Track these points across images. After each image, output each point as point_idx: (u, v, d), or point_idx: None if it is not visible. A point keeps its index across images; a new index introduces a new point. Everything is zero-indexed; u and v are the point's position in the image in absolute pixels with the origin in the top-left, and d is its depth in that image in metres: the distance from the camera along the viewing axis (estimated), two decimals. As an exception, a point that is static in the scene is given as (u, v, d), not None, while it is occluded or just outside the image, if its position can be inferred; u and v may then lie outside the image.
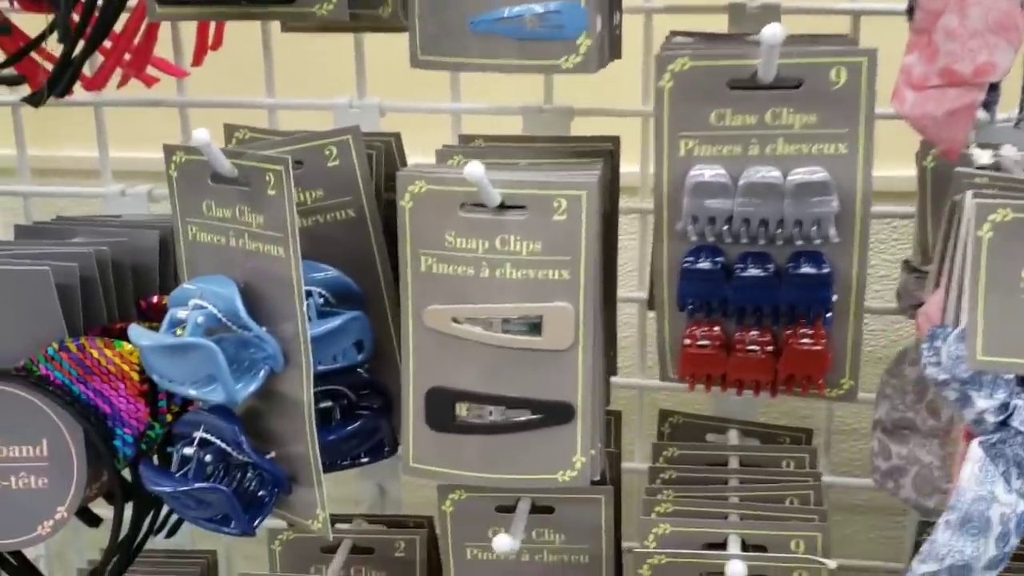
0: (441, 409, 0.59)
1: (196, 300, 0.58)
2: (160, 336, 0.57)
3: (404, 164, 0.70)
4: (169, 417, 0.64)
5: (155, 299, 0.73)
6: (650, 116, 0.65)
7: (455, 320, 0.58)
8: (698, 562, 0.59)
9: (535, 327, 0.57)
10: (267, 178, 0.56)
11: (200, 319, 0.57)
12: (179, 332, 0.58)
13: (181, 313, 0.57)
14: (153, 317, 0.73)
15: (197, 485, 0.57)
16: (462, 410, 0.59)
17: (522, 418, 0.58)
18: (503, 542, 0.58)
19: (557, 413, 0.57)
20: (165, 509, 0.73)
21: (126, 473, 0.67)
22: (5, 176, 0.94)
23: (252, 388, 0.58)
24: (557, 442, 0.58)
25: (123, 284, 0.71)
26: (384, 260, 0.67)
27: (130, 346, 0.64)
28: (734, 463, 0.73)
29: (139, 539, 0.72)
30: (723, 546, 0.60)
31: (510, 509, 0.63)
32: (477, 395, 0.58)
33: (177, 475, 0.59)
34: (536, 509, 0.63)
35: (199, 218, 0.61)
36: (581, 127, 0.76)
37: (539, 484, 0.60)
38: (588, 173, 0.57)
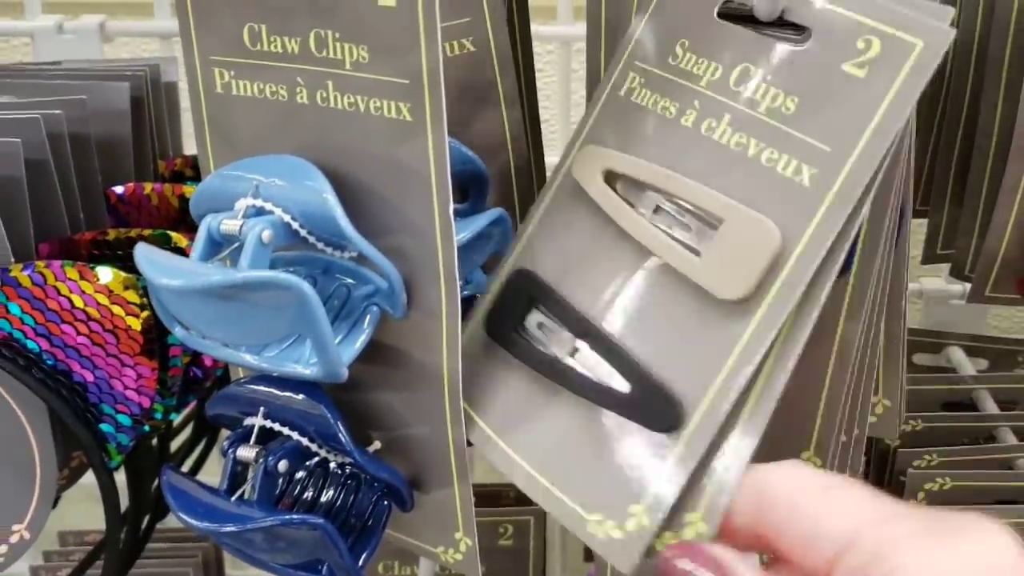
0: (511, 306, 0.35)
1: (251, 200, 0.33)
2: (197, 267, 0.32)
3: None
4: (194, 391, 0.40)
5: (129, 188, 0.48)
6: None
7: (608, 177, 0.33)
8: None
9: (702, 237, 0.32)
10: (379, -23, 0.31)
11: (265, 234, 0.32)
12: (225, 260, 0.33)
13: (229, 224, 0.33)
14: (129, 218, 0.48)
15: (285, 517, 0.33)
16: (533, 321, 0.34)
17: (609, 384, 0.31)
18: None
19: (657, 405, 0.30)
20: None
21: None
22: None
23: (357, 348, 0.34)
24: (639, 457, 0.30)
25: (86, 168, 0.45)
26: (514, 117, 0.43)
27: (122, 275, 0.39)
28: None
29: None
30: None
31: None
32: (568, 308, 0.33)
33: (228, 494, 0.35)
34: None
35: (238, 55, 0.35)
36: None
37: (578, 525, 0.31)
38: None
